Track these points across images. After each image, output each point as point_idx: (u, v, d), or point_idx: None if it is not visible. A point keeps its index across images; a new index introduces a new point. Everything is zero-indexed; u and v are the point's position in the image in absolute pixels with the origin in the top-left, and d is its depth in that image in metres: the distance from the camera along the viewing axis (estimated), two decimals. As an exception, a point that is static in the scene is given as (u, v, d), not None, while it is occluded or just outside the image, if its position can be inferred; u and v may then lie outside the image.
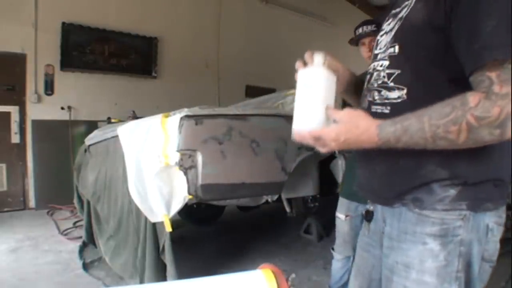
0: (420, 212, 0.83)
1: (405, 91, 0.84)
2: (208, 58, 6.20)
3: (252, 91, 6.26)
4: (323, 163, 2.89)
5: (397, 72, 0.86)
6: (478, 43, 0.71)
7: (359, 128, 0.79)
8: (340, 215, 2.10)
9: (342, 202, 2.09)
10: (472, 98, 0.70)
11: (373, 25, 2.01)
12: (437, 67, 0.80)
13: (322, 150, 0.84)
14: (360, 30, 2.05)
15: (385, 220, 0.94)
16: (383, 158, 0.88)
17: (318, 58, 0.88)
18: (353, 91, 1.08)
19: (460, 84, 0.75)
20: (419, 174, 0.83)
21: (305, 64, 0.92)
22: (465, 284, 0.82)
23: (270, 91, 4.76)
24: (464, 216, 0.81)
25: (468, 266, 0.82)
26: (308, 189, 2.82)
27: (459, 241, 0.81)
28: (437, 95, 0.78)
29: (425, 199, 0.83)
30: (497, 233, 0.84)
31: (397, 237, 0.88)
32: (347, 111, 0.82)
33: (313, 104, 0.82)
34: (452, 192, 0.80)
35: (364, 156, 0.94)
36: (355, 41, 2.10)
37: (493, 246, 0.85)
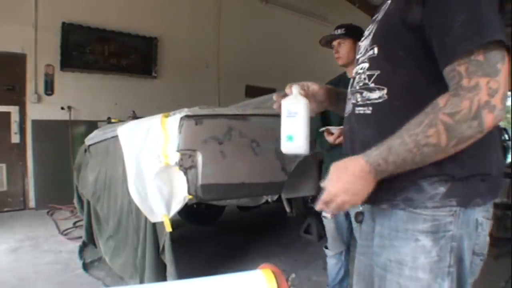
0: (412, 210, 0.84)
1: (385, 91, 0.86)
2: (208, 58, 6.20)
3: (252, 91, 6.26)
4: (323, 163, 2.89)
5: (376, 73, 0.88)
6: (450, 37, 0.74)
7: (348, 168, 0.81)
8: (326, 214, 2.12)
9: None
10: (441, 100, 0.73)
11: (343, 29, 2.04)
12: (415, 65, 0.82)
13: (343, 208, 0.84)
14: (333, 32, 2.08)
15: (375, 219, 0.95)
16: None
17: (296, 89, 1.00)
18: (336, 101, 1.13)
19: (439, 81, 0.77)
20: (403, 172, 0.82)
21: (284, 96, 1.03)
22: (457, 278, 0.83)
23: (270, 91, 4.73)
24: (455, 212, 0.82)
25: (459, 261, 0.83)
26: (308, 189, 2.81)
27: (450, 236, 0.82)
28: (417, 94, 0.82)
29: (415, 198, 0.83)
30: (486, 227, 0.86)
31: (388, 235, 0.89)
32: (332, 166, 0.85)
33: (299, 130, 0.97)
34: (442, 189, 0.81)
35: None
36: (325, 42, 2.11)
37: (483, 240, 0.86)
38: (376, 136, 0.84)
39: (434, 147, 0.73)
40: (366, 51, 0.92)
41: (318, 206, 0.87)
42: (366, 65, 0.91)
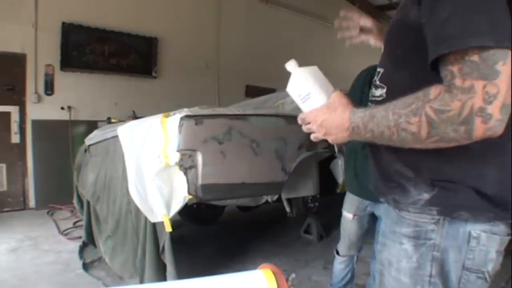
0: (398, 213, 0.85)
1: (385, 89, 0.87)
2: (208, 58, 6.19)
3: (252, 91, 6.26)
4: (323, 163, 2.89)
5: (382, 70, 0.90)
6: (435, 35, 0.69)
7: (336, 111, 0.82)
8: (347, 214, 1.98)
9: (351, 201, 1.96)
10: (433, 90, 0.67)
11: None
12: (412, 66, 0.79)
13: (307, 130, 0.89)
14: None
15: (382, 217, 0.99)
16: (374, 150, 0.92)
17: (291, 65, 0.89)
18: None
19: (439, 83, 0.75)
20: (390, 171, 0.85)
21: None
22: None
23: (270, 91, 4.75)
24: (437, 221, 0.78)
25: (444, 274, 0.80)
26: (308, 189, 2.82)
27: (432, 245, 0.79)
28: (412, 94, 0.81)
29: (401, 200, 0.83)
30: (488, 242, 0.77)
31: (386, 234, 0.92)
32: (335, 94, 0.86)
33: (313, 102, 0.87)
34: (425, 196, 0.78)
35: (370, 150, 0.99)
36: None
37: (481, 256, 0.78)
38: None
39: (413, 135, 0.68)
40: None
41: (298, 118, 0.90)
42: (379, 62, 0.94)
